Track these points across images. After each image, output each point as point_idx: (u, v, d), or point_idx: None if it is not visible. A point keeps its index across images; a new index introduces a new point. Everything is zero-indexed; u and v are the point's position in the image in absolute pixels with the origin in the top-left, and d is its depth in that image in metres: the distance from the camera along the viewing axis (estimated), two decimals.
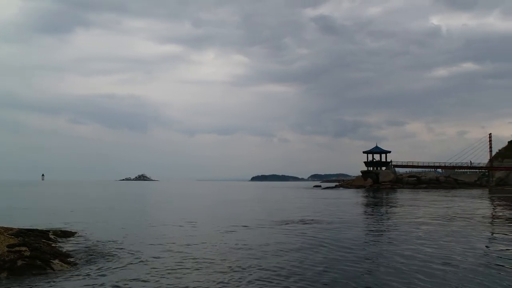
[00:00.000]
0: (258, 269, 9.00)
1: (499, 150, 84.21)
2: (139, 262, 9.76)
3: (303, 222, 18.00)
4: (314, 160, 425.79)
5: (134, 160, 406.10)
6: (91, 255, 10.49)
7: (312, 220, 18.76)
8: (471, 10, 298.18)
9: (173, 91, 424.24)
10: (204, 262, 9.74)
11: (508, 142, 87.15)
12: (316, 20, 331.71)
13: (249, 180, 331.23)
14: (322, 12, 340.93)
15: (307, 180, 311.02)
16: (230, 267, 9.21)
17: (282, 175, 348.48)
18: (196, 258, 10.14)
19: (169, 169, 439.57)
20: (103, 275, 8.43)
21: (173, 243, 12.44)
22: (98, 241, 12.70)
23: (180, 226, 17.05)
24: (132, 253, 10.70)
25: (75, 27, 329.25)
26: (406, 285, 7.70)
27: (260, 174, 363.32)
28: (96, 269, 8.95)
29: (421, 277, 8.07)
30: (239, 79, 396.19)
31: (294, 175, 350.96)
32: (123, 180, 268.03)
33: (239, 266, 9.24)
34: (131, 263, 9.57)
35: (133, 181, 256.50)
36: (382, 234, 14.46)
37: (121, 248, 11.38)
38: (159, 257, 10.28)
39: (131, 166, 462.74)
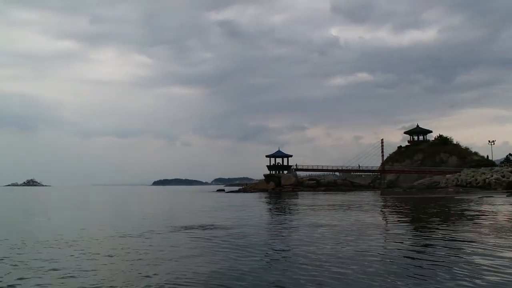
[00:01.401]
0: (143, 277, 8.08)
1: (390, 154, 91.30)
2: None
3: (203, 227, 17.28)
4: (218, 164, 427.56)
5: (22, 163, 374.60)
6: None
7: (212, 224, 18.12)
8: (366, 24, 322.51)
9: (68, 90, 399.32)
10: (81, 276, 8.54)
11: (398, 147, 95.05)
12: (220, 24, 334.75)
13: (151, 185, 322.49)
14: (227, 17, 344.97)
15: (211, 184, 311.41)
16: (111, 277, 8.15)
17: (186, 179, 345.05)
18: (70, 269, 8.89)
19: (63, 173, 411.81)
20: None
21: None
22: None
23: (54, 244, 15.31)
24: None
25: None
26: (311, 281, 7.37)
27: (162, 178, 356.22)
28: None
29: (324, 275, 7.78)
30: (140, 80, 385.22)
31: (197, 179, 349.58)
32: (8, 185, 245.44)
33: (127, 278, 8.23)
34: None
35: (20, 186, 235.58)
36: (284, 236, 14.25)
37: None
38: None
39: (19, 170, 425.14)
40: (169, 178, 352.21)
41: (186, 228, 17.00)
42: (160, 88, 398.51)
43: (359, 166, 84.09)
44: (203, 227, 17.23)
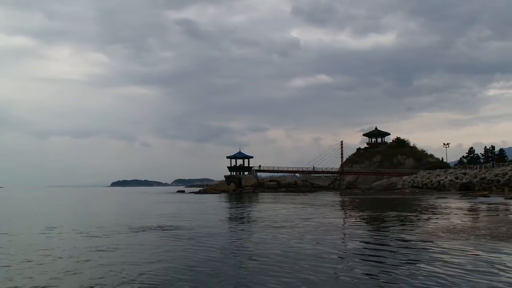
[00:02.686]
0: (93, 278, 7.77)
1: (349, 156, 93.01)
2: None
3: (161, 228, 16.98)
4: (178, 165, 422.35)
5: None
6: None
7: (171, 226, 17.81)
8: (327, 27, 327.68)
9: (21, 88, 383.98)
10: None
11: (357, 149, 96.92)
12: (180, 23, 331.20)
13: (109, 186, 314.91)
14: (186, 16, 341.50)
15: (171, 185, 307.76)
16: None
17: (145, 180, 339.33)
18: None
19: (17, 174, 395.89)
20: None
21: None
22: None
23: None
24: None
25: None
26: (274, 281, 7.33)
27: (121, 179, 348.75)
28: None
29: (286, 271, 7.75)
30: (98, 79, 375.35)
31: (157, 180, 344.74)
32: None
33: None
34: None
35: None
36: (244, 237, 14.15)
37: None
38: None
39: None
40: (128, 179, 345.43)
41: (144, 229, 16.62)
42: (118, 87, 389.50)
43: (313, 167, 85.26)
44: (161, 228, 16.93)
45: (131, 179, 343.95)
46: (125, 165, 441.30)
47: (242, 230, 16.75)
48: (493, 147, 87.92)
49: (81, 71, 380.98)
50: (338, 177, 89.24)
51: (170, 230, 16.39)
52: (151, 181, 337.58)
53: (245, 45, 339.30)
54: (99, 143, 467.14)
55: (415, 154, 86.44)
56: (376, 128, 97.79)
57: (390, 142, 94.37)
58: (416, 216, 21.31)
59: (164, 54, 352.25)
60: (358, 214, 23.97)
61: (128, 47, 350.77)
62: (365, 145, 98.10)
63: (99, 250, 11.70)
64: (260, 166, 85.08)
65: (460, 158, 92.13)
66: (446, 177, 64.57)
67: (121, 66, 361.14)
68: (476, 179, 59.35)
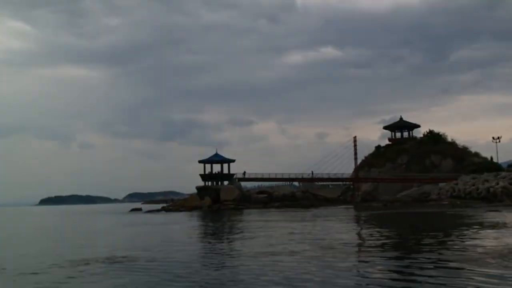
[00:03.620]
0: None
1: (366, 157, 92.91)
2: None
3: (111, 260, 16.87)
4: (132, 173, 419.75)
5: None
6: None
7: (125, 257, 17.70)
8: None
9: None
10: None
11: (375, 147, 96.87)
12: None
13: (37, 205, 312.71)
14: None
15: (123, 201, 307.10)
16: None
17: (87, 196, 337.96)
18: None
19: None
20: None
21: None
22: None
23: None
24: None
25: None
26: None
27: (53, 195, 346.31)
28: None
29: None
30: (16, 56, 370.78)
31: (104, 195, 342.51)
32: None
33: None
34: None
35: None
36: (219, 274, 14.07)
37: None
38: None
39: None
40: (63, 194, 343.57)
41: (87, 262, 16.53)
42: (46, 68, 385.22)
43: (312, 173, 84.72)
44: (111, 260, 16.85)
45: (68, 194, 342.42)
46: (59, 175, 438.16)
47: (220, 264, 16.67)
48: None
49: None
50: (351, 186, 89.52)
51: (122, 262, 16.28)
52: (95, 197, 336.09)
53: (221, 8, 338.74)
54: (20, 145, 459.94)
55: (455, 153, 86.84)
56: (401, 118, 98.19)
57: (421, 137, 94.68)
58: (458, 236, 21.40)
59: (109, 21, 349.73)
60: (381, 236, 24.01)
61: (57, 11, 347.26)
62: (387, 142, 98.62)
63: None
64: (244, 173, 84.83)
65: None
66: (498, 183, 64.87)
67: (49, 38, 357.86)
68: None
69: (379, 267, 13.97)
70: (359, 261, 15.48)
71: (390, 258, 15.87)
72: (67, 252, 20.83)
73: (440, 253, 15.93)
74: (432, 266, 13.37)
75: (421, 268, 13.11)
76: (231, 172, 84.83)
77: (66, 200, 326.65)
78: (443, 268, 13.00)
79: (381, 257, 16.04)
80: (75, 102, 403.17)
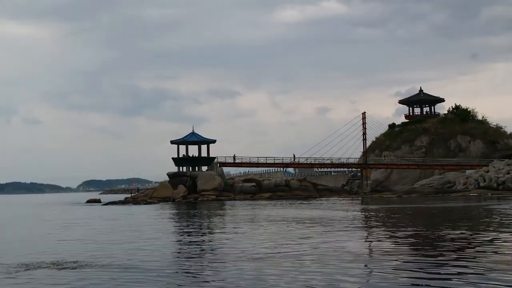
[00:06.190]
0: None
1: (377, 137, 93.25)
2: None
3: (59, 265, 16.86)
4: (88, 156, 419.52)
5: None
6: None
7: (75, 262, 17.64)
8: None
9: None
10: None
11: (389, 125, 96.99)
12: None
13: None
14: None
15: (77, 190, 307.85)
16: None
17: (31, 183, 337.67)
18: None
19: None
20: None
21: None
22: None
23: None
24: None
25: None
26: None
27: None
28: None
29: None
30: None
31: (53, 183, 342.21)
32: None
33: None
34: None
35: None
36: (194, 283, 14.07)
37: None
38: None
39: None
40: (2, 181, 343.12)
41: (28, 267, 16.56)
42: None
43: (294, 156, 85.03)
44: (58, 265, 16.86)
45: (7, 181, 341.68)
46: None
47: (198, 269, 16.67)
48: None
49: None
50: (359, 173, 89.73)
51: (74, 267, 16.22)
52: (43, 185, 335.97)
53: None
54: None
55: (486, 134, 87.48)
56: (420, 90, 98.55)
57: (445, 114, 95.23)
58: (488, 236, 21.48)
59: None
60: (393, 235, 24.08)
61: None
62: (403, 120, 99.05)
63: None
64: (234, 156, 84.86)
65: None
66: None
67: None
68: None
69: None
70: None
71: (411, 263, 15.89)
72: (6, 254, 20.75)
73: (464, 258, 15.93)
74: (455, 271, 13.37)
75: (444, 274, 13.12)
76: (211, 155, 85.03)
77: (4, 189, 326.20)
78: (468, 275, 12.98)
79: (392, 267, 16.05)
80: (18, 65, 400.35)
